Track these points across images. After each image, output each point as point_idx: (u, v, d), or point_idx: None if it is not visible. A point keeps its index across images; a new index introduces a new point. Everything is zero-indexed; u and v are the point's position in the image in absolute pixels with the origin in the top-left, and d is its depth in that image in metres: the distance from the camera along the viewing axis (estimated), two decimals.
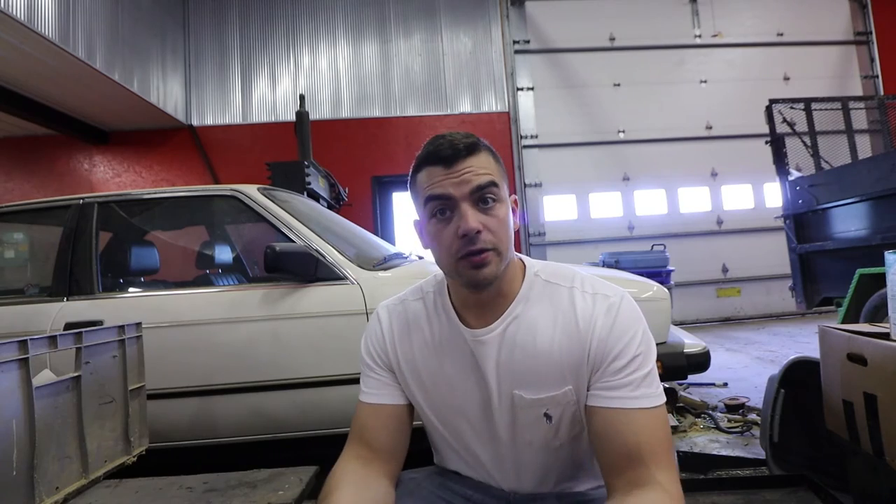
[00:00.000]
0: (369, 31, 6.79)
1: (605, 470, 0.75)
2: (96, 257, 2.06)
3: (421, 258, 2.45)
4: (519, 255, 0.88)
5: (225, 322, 1.90)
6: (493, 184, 0.76)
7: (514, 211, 0.84)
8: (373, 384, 0.89)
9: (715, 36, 7.11)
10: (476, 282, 0.77)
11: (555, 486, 0.86)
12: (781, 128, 4.26)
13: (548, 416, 0.80)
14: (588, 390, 0.78)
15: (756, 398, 2.77)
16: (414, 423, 0.92)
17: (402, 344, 0.89)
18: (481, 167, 0.76)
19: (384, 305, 0.94)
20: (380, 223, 6.65)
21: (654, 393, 0.75)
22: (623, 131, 6.95)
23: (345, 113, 6.68)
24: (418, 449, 0.86)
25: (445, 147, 0.76)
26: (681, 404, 2.80)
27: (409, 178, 0.83)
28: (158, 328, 1.86)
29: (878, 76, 7.19)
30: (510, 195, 0.84)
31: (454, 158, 0.75)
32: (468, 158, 0.76)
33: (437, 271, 0.90)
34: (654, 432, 0.72)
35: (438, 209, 0.76)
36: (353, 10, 6.78)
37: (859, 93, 7.08)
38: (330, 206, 4.87)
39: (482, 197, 0.75)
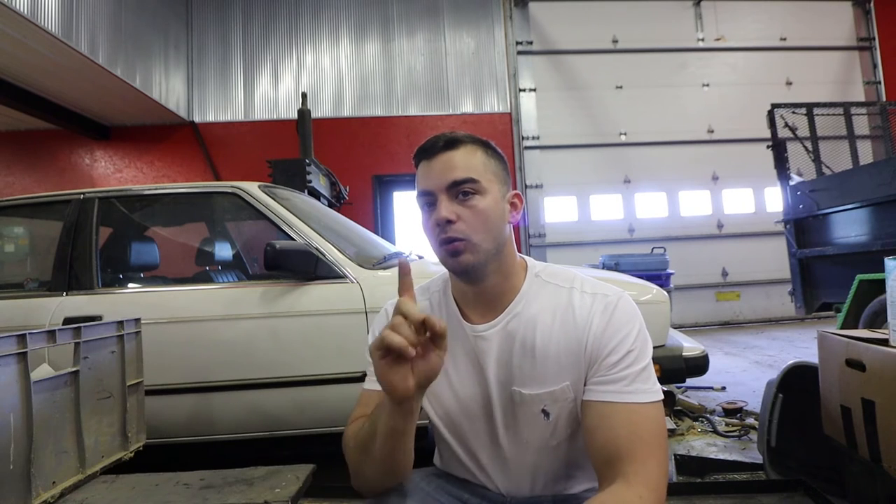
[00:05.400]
0: (372, 29, 6.79)
1: (593, 465, 0.76)
2: (96, 252, 2.07)
3: (421, 257, 2.44)
4: (522, 255, 0.91)
5: (224, 319, 1.91)
6: (471, 180, 0.80)
7: (515, 206, 0.87)
8: None
9: (718, 40, 7.11)
10: (454, 270, 0.83)
11: (551, 488, 0.86)
12: (783, 132, 4.26)
13: (545, 413, 0.82)
14: (585, 385, 0.79)
15: (754, 402, 2.77)
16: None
17: None
18: (460, 161, 0.81)
19: (391, 303, 0.94)
20: (380, 222, 6.65)
21: (649, 389, 0.76)
22: (625, 133, 6.95)
23: (347, 111, 6.68)
24: (416, 447, 0.86)
25: (428, 142, 0.83)
26: (679, 407, 2.80)
27: None
28: (157, 324, 1.86)
29: (880, 82, 7.19)
30: (512, 190, 0.87)
31: (432, 151, 0.82)
32: (447, 152, 0.81)
33: (440, 271, 0.93)
34: (639, 427, 0.72)
35: (426, 203, 0.83)
36: (357, 8, 6.77)
37: (861, 98, 7.08)
38: (330, 205, 4.87)
39: (461, 190, 0.80)
